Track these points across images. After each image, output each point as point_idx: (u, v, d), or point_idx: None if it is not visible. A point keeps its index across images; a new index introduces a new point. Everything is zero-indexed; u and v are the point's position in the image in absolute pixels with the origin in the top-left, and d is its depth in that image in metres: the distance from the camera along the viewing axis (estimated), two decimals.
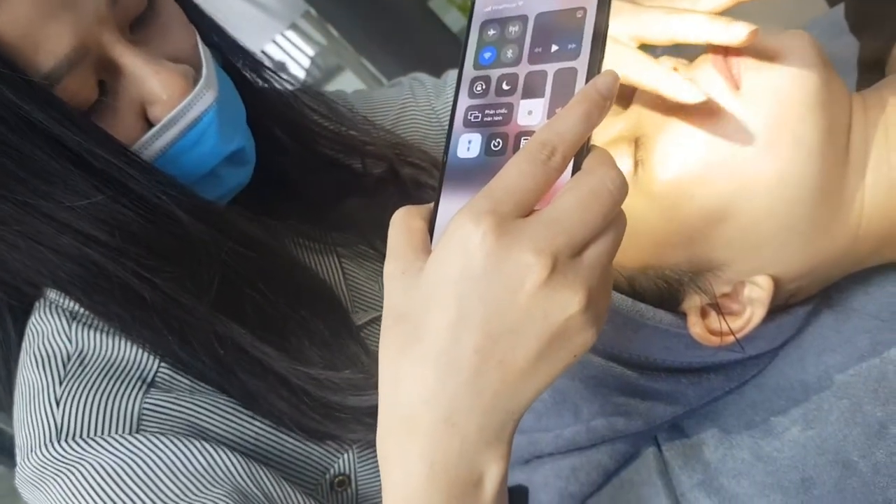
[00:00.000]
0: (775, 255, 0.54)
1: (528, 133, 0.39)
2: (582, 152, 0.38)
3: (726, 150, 0.52)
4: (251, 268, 0.60)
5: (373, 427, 0.57)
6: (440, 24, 1.86)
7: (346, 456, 0.65)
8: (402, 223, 0.39)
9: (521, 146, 0.38)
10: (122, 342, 0.60)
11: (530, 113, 0.39)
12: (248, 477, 0.56)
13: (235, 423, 0.60)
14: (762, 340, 0.58)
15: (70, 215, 0.53)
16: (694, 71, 0.54)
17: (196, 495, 0.53)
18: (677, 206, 0.53)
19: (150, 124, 0.57)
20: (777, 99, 0.52)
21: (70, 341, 0.59)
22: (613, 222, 0.37)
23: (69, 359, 0.58)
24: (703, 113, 0.52)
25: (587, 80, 0.38)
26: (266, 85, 0.71)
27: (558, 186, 0.37)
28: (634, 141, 0.56)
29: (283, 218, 0.70)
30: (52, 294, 0.61)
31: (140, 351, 0.60)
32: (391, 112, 0.85)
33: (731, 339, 0.56)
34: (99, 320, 0.60)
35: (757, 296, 0.55)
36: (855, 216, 0.54)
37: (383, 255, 0.63)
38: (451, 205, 0.39)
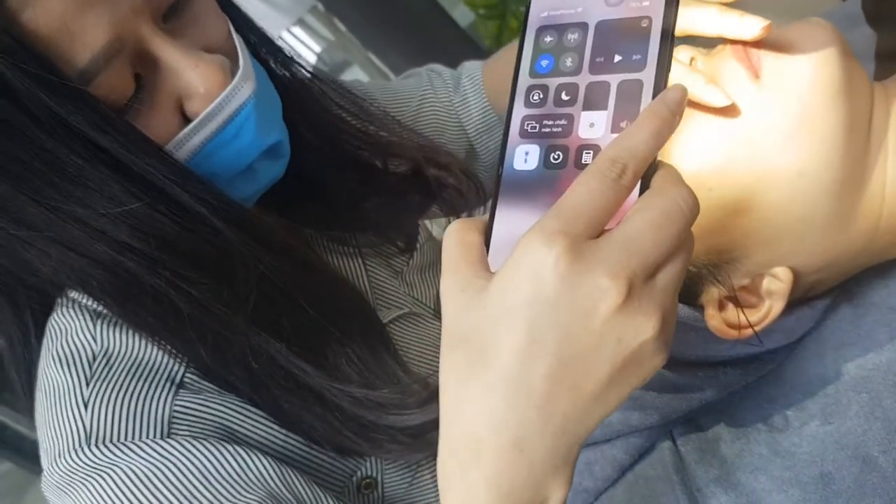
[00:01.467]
0: (795, 247, 0.54)
1: (590, 146, 0.38)
2: (650, 170, 0.36)
3: (746, 141, 0.51)
4: (289, 279, 0.58)
5: (409, 446, 0.56)
6: (448, 19, 1.85)
7: (372, 460, 0.64)
8: (458, 237, 0.38)
9: (583, 159, 0.37)
10: (147, 343, 0.58)
11: (592, 125, 0.38)
12: (281, 481, 0.55)
13: (264, 425, 0.59)
14: (780, 334, 0.57)
15: (105, 222, 0.51)
16: (713, 60, 0.54)
17: (230, 501, 0.52)
18: (697, 197, 0.53)
19: (186, 119, 0.55)
20: (798, 89, 0.51)
21: (95, 340, 0.57)
22: (684, 243, 0.36)
23: (94, 359, 0.57)
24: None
25: (654, 94, 0.37)
26: (292, 78, 0.69)
27: (626, 205, 0.36)
28: None
29: (304, 217, 0.68)
30: (73, 292, 0.60)
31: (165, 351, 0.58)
32: (412, 103, 0.84)
33: (749, 332, 0.55)
34: (128, 326, 0.58)
35: (776, 288, 0.54)
36: (876, 208, 0.54)
37: (403, 252, 0.62)
38: (508, 218, 0.38)
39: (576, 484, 0.63)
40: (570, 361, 0.35)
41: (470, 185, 0.78)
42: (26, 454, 2.53)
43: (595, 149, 0.37)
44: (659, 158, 0.37)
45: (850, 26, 0.74)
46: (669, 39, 0.37)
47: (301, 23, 2.60)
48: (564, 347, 0.35)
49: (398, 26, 1.77)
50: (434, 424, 0.58)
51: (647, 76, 0.37)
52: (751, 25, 0.49)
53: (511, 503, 0.36)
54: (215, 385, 0.58)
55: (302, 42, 2.86)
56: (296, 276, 0.59)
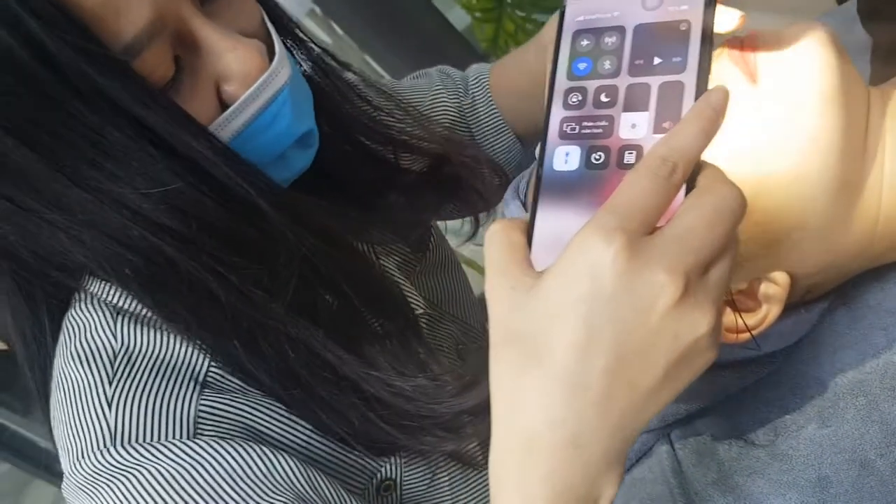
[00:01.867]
0: (792, 251, 0.54)
1: (632, 147, 0.38)
2: (695, 169, 0.37)
3: (742, 144, 0.51)
4: (331, 263, 0.57)
5: (443, 438, 0.55)
6: (444, 22, 1.85)
7: (392, 462, 0.63)
8: (502, 237, 0.38)
9: (626, 160, 0.38)
10: (170, 338, 0.57)
11: (634, 126, 0.38)
12: (307, 482, 0.54)
13: (287, 426, 0.58)
14: (777, 337, 0.57)
15: (146, 203, 0.49)
16: None
17: (256, 503, 0.51)
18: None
19: (223, 105, 0.54)
20: (794, 93, 0.51)
21: (115, 338, 0.56)
22: (732, 241, 0.36)
23: (115, 357, 0.55)
24: None
25: (696, 95, 0.37)
26: (316, 67, 0.68)
27: (673, 205, 0.36)
28: None
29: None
30: (93, 287, 0.58)
31: (189, 346, 0.57)
32: (424, 101, 0.83)
33: (746, 336, 0.55)
34: (160, 320, 0.57)
35: (773, 292, 0.54)
36: (872, 212, 0.54)
37: (414, 252, 0.61)
38: (550, 218, 0.39)
39: None
40: (628, 358, 0.35)
41: (493, 182, 0.77)
42: (25, 455, 2.53)
43: (637, 149, 0.38)
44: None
45: (846, 29, 0.74)
46: (709, 42, 0.38)
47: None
48: (622, 344, 0.35)
49: (395, 29, 1.76)
50: (469, 414, 0.58)
51: (689, 78, 0.38)
52: (727, 17, 0.49)
53: (566, 501, 0.37)
54: (241, 381, 0.57)
55: None
56: (336, 260, 0.58)
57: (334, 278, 0.57)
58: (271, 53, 0.56)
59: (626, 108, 0.39)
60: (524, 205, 0.60)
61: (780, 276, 0.54)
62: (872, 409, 0.55)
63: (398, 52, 1.75)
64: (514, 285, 0.37)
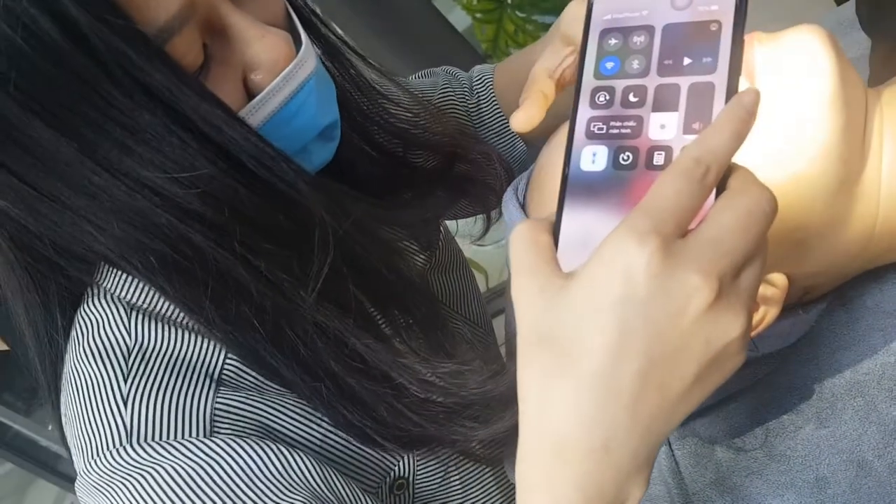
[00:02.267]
0: (790, 253, 0.54)
1: (661, 147, 0.38)
2: (726, 171, 0.37)
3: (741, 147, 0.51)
4: (362, 248, 0.57)
5: (475, 428, 0.54)
6: (445, 23, 1.85)
7: (404, 461, 0.63)
8: (529, 237, 0.38)
9: (654, 160, 0.38)
10: (184, 335, 0.56)
11: (663, 127, 0.38)
12: (322, 481, 0.54)
13: (303, 424, 0.58)
14: (775, 338, 0.57)
15: (175, 188, 0.49)
16: None
17: (273, 502, 0.51)
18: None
19: (248, 93, 0.53)
20: (792, 93, 0.51)
21: (129, 334, 0.56)
22: (764, 244, 0.36)
23: (130, 353, 0.55)
24: None
25: (727, 96, 0.37)
26: (332, 60, 0.67)
27: (704, 207, 0.36)
28: None
29: None
30: (106, 282, 0.58)
31: (203, 343, 0.56)
32: (433, 99, 0.82)
33: None
34: (181, 313, 0.56)
35: (771, 294, 0.54)
36: (871, 214, 0.54)
37: (423, 251, 0.61)
38: (577, 218, 0.39)
39: None
40: (660, 361, 0.35)
41: (504, 178, 0.77)
42: (28, 455, 2.53)
43: (667, 150, 0.38)
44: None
45: (845, 31, 0.74)
46: (740, 42, 0.38)
47: None
48: (654, 347, 0.34)
49: (395, 30, 1.76)
50: (498, 401, 0.57)
51: (719, 79, 0.38)
52: None
53: (595, 503, 0.37)
54: (260, 377, 0.57)
55: None
56: (367, 245, 0.57)
57: (365, 264, 0.57)
58: (297, 45, 0.55)
59: (656, 109, 0.39)
60: (522, 206, 0.60)
61: (778, 278, 0.54)
62: (870, 410, 0.55)
63: (399, 53, 1.75)
64: (544, 287, 0.37)
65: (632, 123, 0.39)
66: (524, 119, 0.55)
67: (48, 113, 0.46)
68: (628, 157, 0.38)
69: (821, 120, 0.51)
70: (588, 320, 0.35)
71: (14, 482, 3.04)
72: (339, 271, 0.54)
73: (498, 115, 0.84)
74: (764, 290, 0.55)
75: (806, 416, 0.57)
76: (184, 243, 0.50)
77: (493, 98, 0.84)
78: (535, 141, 0.83)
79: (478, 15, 2.02)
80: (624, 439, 0.36)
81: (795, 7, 1.04)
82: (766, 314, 0.55)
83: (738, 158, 0.51)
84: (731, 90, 0.38)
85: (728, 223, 0.35)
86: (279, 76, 0.52)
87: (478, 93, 0.85)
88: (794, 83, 0.51)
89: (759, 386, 0.60)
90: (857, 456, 0.54)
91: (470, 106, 0.84)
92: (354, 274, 0.56)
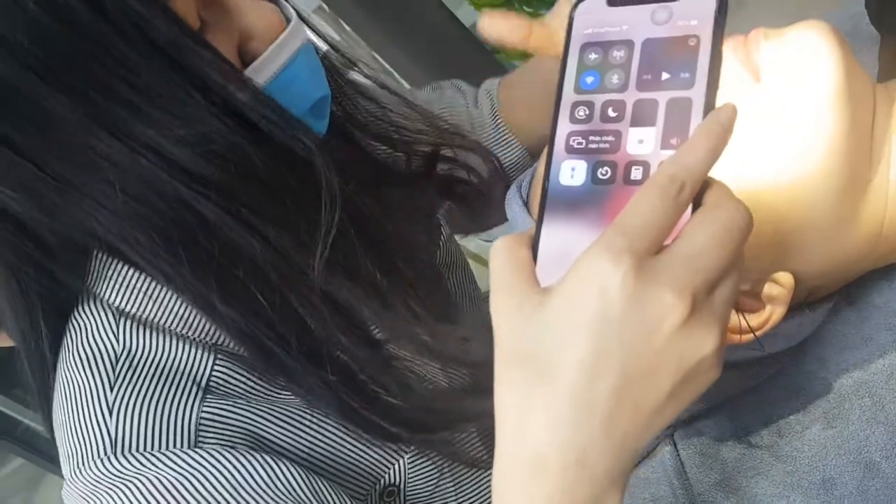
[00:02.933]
0: (796, 251, 0.53)
1: (639, 162, 0.38)
2: (702, 186, 0.37)
3: (746, 144, 0.51)
4: (367, 213, 0.56)
5: (471, 420, 0.55)
6: (452, 18, 1.85)
7: (397, 466, 0.63)
8: (509, 253, 0.38)
9: (632, 175, 0.38)
10: (173, 341, 0.56)
11: (641, 142, 0.38)
12: (309, 490, 0.54)
13: (290, 431, 0.58)
14: (782, 338, 0.57)
15: (181, 150, 0.48)
16: None
17: None
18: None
19: (244, 63, 0.54)
20: (798, 90, 0.50)
21: (118, 340, 0.56)
22: (739, 258, 0.36)
23: (117, 360, 0.55)
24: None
25: (705, 112, 0.37)
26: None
27: (680, 223, 0.36)
28: None
29: None
30: (96, 288, 0.58)
31: (192, 351, 0.56)
32: (442, 112, 0.83)
33: (750, 336, 0.55)
34: (173, 319, 0.56)
35: (777, 293, 0.54)
36: (878, 212, 0.53)
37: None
38: (555, 233, 0.39)
39: None
40: (634, 378, 0.35)
41: (494, 176, 0.77)
42: (38, 450, 2.54)
43: (644, 165, 0.38)
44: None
45: (854, 25, 0.73)
46: (718, 58, 0.38)
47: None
48: (629, 364, 0.35)
49: (403, 26, 1.76)
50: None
51: (697, 94, 0.38)
52: None
53: None
54: (258, 367, 0.57)
55: None
56: (373, 207, 0.57)
57: (373, 227, 0.57)
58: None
59: (634, 124, 0.39)
60: (526, 205, 0.59)
61: (785, 277, 0.53)
62: (878, 411, 0.54)
63: (406, 49, 1.75)
64: (521, 303, 0.37)
65: (610, 138, 0.39)
66: (488, 23, 0.57)
67: (54, 75, 0.46)
68: (606, 171, 0.38)
69: (827, 116, 0.50)
70: (564, 338, 0.36)
71: (25, 477, 3.06)
72: (346, 235, 0.54)
73: (500, 126, 0.84)
74: (770, 289, 0.54)
75: (813, 417, 0.56)
76: (189, 212, 0.50)
77: (497, 110, 0.84)
78: (537, 150, 0.83)
79: (485, 10, 2.01)
80: (598, 455, 0.36)
81: (802, 3, 1.03)
82: (772, 313, 0.54)
83: (747, 157, 0.51)
84: (709, 105, 0.37)
85: (701, 240, 0.35)
86: (274, 43, 0.53)
87: (482, 105, 0.85)
88: (800, 80, 0.50)
89: (766, 385, 0.60)
90: (864, 457, 0.53)
91: (474, 115, 0.84)
92: (362, 238, 0.55)
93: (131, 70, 0.47)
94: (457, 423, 0.61)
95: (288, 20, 0.56)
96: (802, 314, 0.57)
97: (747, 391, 0.60)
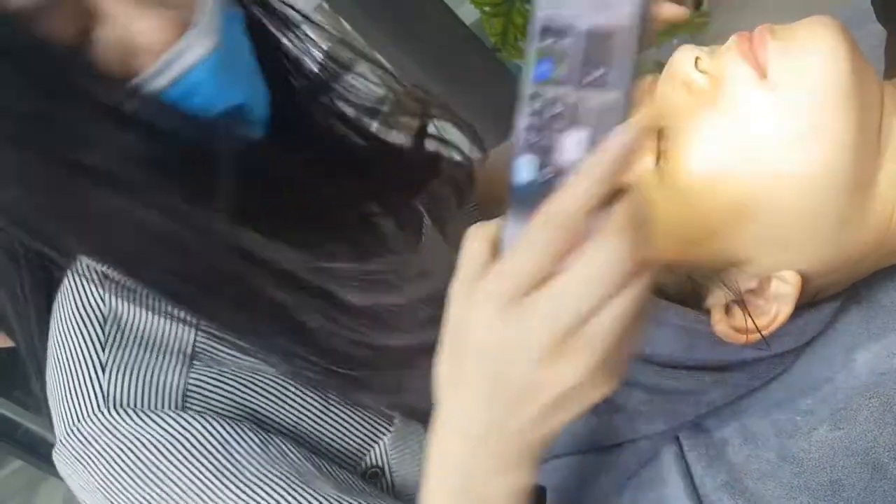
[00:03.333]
0: (803, 250, 0.53)
1: (573, 164, 0.38)
2: (616, 194, 0.37)
3: (753, 142, 0.51)
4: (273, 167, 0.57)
5: (399, 370, 0.59)
6: (453, 16, 1.85)
7: (377, 447, 0.64)
8: (474, 244, 0.40)
9: (568, 177, 0.38)
10: (155, 316, 0.57)
11: (577, 143, 0.38)
12: (304, 457, 0.56)
13: (278, 404, 0.59)
14: (788, 337, 0.56)
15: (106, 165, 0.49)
16: (718, 60, 0.53)
17: (255, 475, 0.52)
18: (702, 200, 0.52)
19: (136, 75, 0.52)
20: (805, 88, 0.50)
21: (103, 302, 0.57)
22: (628, 283, 0.37)
23: (105, 321, 0.56)
24: (729, 103, 0.51)
25: (625, 115, 0.37)
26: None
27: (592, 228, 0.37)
28: (658, 132, 0.54)
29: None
30: (86, 258, 0.58)
31: (174, 323, 0.57)
32: None
33: (756, 336, 0.54)
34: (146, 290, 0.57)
35: (784, 292, 0.53)
36: (886, 210, 0.53)
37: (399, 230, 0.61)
38: (517, 227, 0.39)
39: (579, 488, 0.62)
40: (504, 404, 0.40)
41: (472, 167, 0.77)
42: (37, 452, 2.55)
43: (576, 167, 0.38)
44: (627, 182, 0.38)
45: (860, 24, 0.73)
46: (637, 58, 0.37)
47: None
48: (499, 392, 0.40)
49: (403, 25, 1.76)
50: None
51: (619, 96, 0.37)
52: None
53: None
54: (226, 347, 0.58)
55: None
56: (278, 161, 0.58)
57: (280, 175, 0.58)
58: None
59: (572, 123, 0.38)
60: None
61: (791, 275, 0.53)
62: (886, 411, 0.54)
63: (407, 48, 1.75)
64: (468, 295, 0.40)
65: (553, 137, 0.38)
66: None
67: None
68: (547, 172, 0.38)
69: (834, 113, 0.50)
70: (461, 358, 0.41)
71: (24, 479, 3.06)
72: (255, 185, 0.53)
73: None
74: (776, 287, 0.54)
75: (820, 417, 0.55)
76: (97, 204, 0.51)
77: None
78: None
79: (486, 8, 2.01)
80: (474, 474, 0.42)
81: (808, 1, 1.02)
82: (778, 312, 0.54)
83: (754, 154, 0.50)
84: (628, 112, 0.37)
85: (577, 276, 0.37)
86: (159, 61, 0.51)
87: None
88: (806, 76, 0.50)
89: (772, 386, 0.59)
90: (872, 458, 0.53)
91: None
92: (267, 188, 0.56)
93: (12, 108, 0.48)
94: (410, 360, 0.60)
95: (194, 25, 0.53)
96: (809, 313, 0.56)
97: (753, 391, 0.59)
